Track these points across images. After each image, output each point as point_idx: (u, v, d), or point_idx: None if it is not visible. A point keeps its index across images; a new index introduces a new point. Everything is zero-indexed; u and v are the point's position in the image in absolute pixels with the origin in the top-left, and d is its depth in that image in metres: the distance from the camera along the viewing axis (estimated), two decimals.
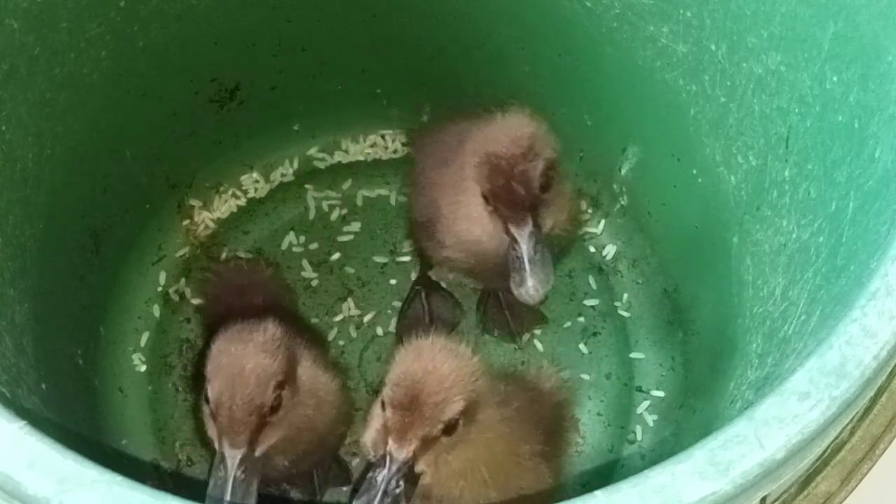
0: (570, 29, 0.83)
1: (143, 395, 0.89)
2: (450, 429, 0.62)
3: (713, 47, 0.73)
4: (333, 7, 0.87)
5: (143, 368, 0.90)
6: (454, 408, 0.61)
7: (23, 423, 0.46)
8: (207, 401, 0.66)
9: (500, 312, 0.90)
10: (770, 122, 0.70)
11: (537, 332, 0.91)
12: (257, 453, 0.65)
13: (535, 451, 0.72)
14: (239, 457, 0.64)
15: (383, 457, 0.61)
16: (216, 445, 0.66)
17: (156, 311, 0.92)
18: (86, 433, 0.80)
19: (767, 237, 0.71)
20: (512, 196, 0.69)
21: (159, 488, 0.45)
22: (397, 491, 0.60)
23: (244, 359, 0.66)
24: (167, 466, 0.87)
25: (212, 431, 0.66)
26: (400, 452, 0.61)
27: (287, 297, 0.90)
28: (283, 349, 0.68)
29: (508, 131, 0.71)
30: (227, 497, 0.63)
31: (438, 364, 0.62)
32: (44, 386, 0.70)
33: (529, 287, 0.69)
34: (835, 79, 0.62)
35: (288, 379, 0.68)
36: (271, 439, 0.67)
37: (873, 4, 0.59)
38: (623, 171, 0.90)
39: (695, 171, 0.81)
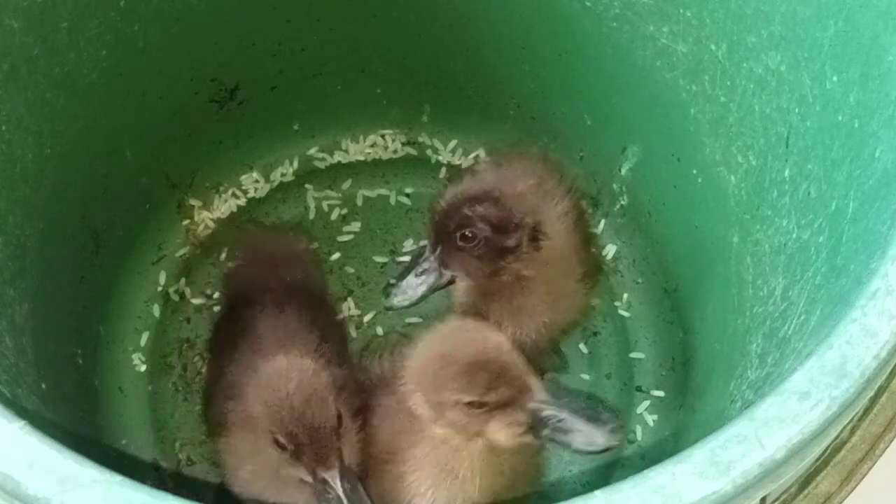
0: (570, 29, 0.83)
1: (143, 395, 0.89)
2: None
3: (713, 47, 0.73)
4: (333, 7, 0.87)
5: (143, 368, 0.90)
6: None
7: (23, 423, 0.46)
8: (283, 447, 0.68)
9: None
10: (770, 122, 0.70)
11: None
12: (347, 462, 0.69)
13: None
14: (338, 476, 0.68)
15: None
16: (308, 479, 0.68)
17: (156, 311, 0.92)
18: (86, 433, 0.80)
19: (767, 237, 0.71)
20: (438, 223, 0.74)
21: (159, 488, 0.45)
22: None
23: (300, 393, 0.68)
24: (167, 466, 0.87)
25: (298, 471, 0.69)
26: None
27: (319, 279, 0.90)
28: (317, 363, 0.71)
29: (494, 181, 0.76)
30: None
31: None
32: (44, 386, 0.70)
33: (392, 293, 0.76)
34: (835, 78, 0.62)
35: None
36: (350, 444, 0.70)
37: (873, 4, 0.59)
38: (623, 171, 0.90)
39: (695, 171, 0.81)
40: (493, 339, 0.66)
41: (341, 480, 0.68)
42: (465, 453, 0.68)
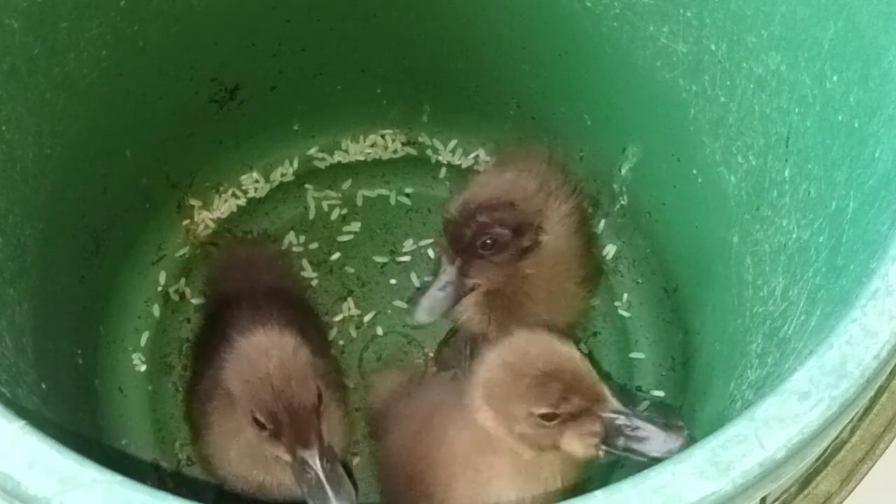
0: (570, 29, 0.83)
1: (143, 395, 0.89)
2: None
3: (713, 47, 0.73)
4: (333, 7, 0.87)
5: (143, 368, 0.90)
6: None
7: (23, 423, 0.46)
8: (262, 427, 0.68)
9: (465, 355, 0.89)
10: (770, 122, 0.70)
11: None
12: (326, 444, 0.68)
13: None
14: (317, 456, 0.67)
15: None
16: (286, 458, 0.68)
17: (156, 311, 0.92)
18: (86, 433, 0.80)
19: (767, 237, 0.71)
20: (456, 235, 0.73)
21: (159, 488, 0.45)
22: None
23: (280, 371, 0.68)
24: (167, 466, 0.87)
25: (277, 450, 0.68)
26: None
27: (292, 279, 0.90)
28: (298, 344, 0.70)
29: (502, 186, 0.75)
30: (330, 495, 0.66)
31: None
32: (44, 386, 0.70)
33: (416, 310, 0.74)
34: (835, 78, 0.62)
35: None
36: (329, 423, 0.70)
37: (873, 4, 0.59)
38: (623, 171, 0.90)
39: (695, 171, 0.81)
40: (563, 350, 0.65)
41: (320, 460, 0.67)
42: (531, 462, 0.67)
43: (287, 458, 0.68)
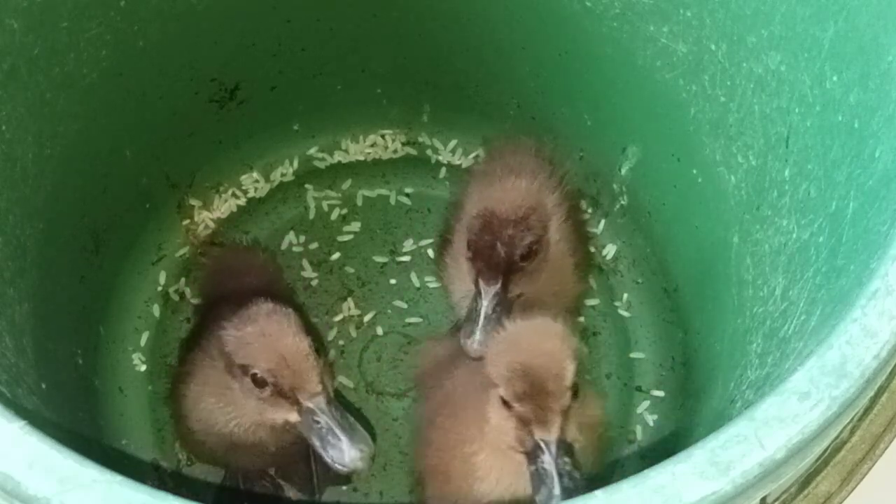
0: (570, 29, 0.83)
1: (143, 395, 0.89)
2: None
3: (713, 47, 0.73)
4: (333, 7, 0.87)
5: (143, 368, 0.90)
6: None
7: (23, 423, 0.47)
8: (262, 383, 0.67)
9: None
10: (770, 122, 0.70)
11: None
12: (332, 395, 0.68)
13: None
14: (324, 402, 0.67)
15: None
16: (292, 417, 0.68)
17: (156, 310, 0.92)
18: (86, 433, 0.80)
19: (767, 237, 0.71)
20: (491, 255, 0.72)
21: (159, 488, 0.45)
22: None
23: (271, 323, 0.68)
24: (167, 466, 0.87)
25: (279, 411, 0.68)
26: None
27: (282, 283, 0.90)
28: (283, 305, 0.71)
29: (513, 195, 0.74)
30: (345, 439, 0.65)
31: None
32: (44, 386, 0.70)
33: (475, 341, 0.72)
34: (835, 78, 0.62)
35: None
36: (330, 382, 0.70)
37: (873, 4, 0.59)
38: (623, 171, 0.90)
39: (695, 171, 0.81)
40: (559, 356, 0.64)
41: (328, 406, 0.66)
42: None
43: (293, 416, 0.67)
